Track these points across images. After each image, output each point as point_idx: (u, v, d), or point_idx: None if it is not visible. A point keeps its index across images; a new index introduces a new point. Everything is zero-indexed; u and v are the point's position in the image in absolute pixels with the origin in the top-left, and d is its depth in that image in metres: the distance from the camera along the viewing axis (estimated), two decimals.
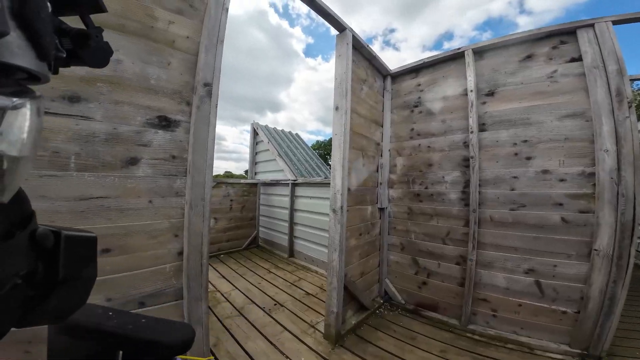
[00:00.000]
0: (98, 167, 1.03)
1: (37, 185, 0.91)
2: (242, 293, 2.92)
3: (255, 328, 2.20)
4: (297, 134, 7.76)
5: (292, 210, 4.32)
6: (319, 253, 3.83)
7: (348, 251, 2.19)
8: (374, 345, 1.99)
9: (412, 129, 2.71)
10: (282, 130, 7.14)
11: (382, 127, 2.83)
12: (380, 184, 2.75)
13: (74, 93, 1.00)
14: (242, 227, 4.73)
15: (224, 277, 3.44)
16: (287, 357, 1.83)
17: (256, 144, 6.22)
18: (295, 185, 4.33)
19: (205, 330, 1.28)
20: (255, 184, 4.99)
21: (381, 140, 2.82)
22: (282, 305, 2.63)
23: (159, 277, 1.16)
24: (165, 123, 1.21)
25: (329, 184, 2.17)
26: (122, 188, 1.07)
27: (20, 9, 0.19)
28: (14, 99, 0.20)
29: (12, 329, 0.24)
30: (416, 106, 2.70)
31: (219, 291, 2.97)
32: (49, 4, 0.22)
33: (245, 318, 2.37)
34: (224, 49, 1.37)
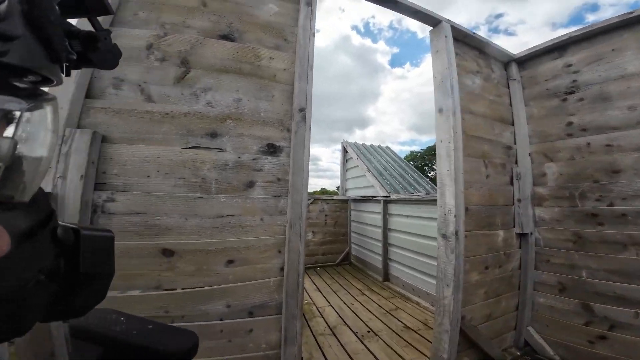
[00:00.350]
0: (228, 190, 1.26)
1: (193, 205, 1.20)
2: (335, 311, 2.89)
3: (347, 353, 2.08)
4: (387, 147, 7.44)
5: (386, 229, 4.03)
6: (421, 282, 3.34)
7: (467, 288, 1.76)
8: None
9: (570, 123, 1.98)
10: (371, 145, 7.03)
11: (512, 125, 2.22)
12: (519, 200, 2.12)
13: (213, 130, 1.28)
14: (335, 242, 4.85)
15: (319, 290, 3.56)
16: None
17: (346, 161, 6.37)
18: (387, 202, 4.05)
19: (298, 350, 1.29)
20: (346, 200, 5.06)
21: (513, 143, 2.20)
22: (376, 334, 2.40)
23: (265, 289, 1.26)
24: (272, 150, 1.36)
25: (432, 201, 1.85)
26: (243, 207, 1.26)
27: (31, 12, 0.19)
28: (30, 102, 0.20)
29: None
30: (571, 92, 1.97)
31: (314, 304, 3.07)
32: (57, 7, 0.22)
33: (337, 339, 2.29)
34: (317, 77, 1.46)
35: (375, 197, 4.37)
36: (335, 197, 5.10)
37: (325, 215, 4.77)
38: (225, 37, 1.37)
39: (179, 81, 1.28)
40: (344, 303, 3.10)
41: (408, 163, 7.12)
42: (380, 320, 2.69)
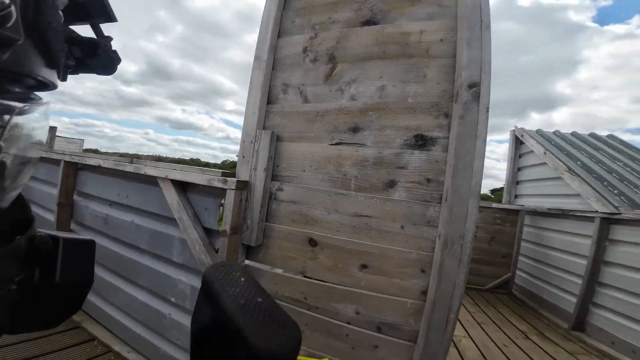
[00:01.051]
0: (367, 189, 1.17)
1: (335, 200, 1.21)
2: (477, 348, 2.30)
3: None
4: (610, 136, 4.73)
5: (598, 262, 2.70)
6: None
7: None
8: None
9: None
10: (574, 134, 4.71)
11: None
12: None
13: (355, 124, 1.22)
14: (488, 263, 3.76)
15: None
16: None
17: (519, 156, 4.70)
18: (612, 221, 2.68)
19: None
20: (516, 211, 3.73)
21: None
22: None
23: (398, 309, 1.09)
24: (421, 142, 1.11)
25: None
26: (382, 210, 1.13)
27: (34, 19, 0.19)
28: (20, 105, 0.19)
29: None
30: None
31: None
32: (61, 14, 0.22)
33: None
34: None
35: (583, 211, 2.96)
36: (495, 205, 3.89)
37: (476, 227, 3.78)
38: (368, 22, 1.26)
39: (327, 78, 1.31)
40: (492, 341, 2.44)
41: None
42: None
